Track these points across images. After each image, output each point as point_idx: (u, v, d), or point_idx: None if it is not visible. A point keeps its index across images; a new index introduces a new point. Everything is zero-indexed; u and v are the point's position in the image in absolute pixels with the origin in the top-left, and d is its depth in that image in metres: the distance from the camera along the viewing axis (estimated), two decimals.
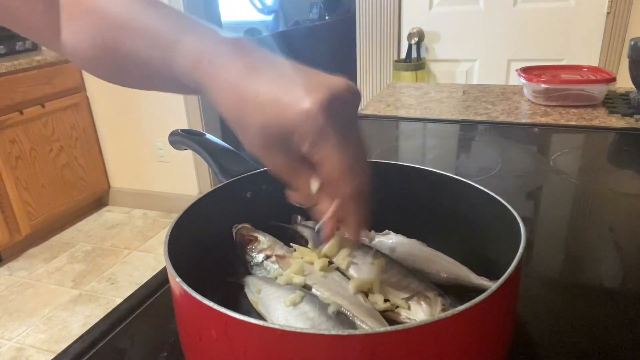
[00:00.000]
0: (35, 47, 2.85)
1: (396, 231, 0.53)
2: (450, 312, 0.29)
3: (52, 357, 0.46)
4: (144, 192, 3.07)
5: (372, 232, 0.53)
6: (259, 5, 5.42)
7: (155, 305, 0.54)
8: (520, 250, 0.36)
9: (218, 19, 3.04)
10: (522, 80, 1.29)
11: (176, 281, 0.34)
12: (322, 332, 0.28)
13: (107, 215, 3.08)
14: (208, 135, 0.62)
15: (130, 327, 0.50)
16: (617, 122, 1.11)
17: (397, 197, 0.55)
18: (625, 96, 1.27)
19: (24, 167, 2.57)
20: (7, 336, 2.04)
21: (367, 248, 0.49)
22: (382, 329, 0.28)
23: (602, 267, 0.60)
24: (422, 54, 2.37)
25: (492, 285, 0.32)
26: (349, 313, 0.41)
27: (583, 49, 2.17)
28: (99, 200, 3.16)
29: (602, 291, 0.55)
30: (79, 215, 3.02)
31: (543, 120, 1.15)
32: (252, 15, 5.73)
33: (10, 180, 2.48)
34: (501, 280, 0.32)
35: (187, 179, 2.92)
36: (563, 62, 2.16)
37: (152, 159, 2.97)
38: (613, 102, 1.23)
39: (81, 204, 2.97)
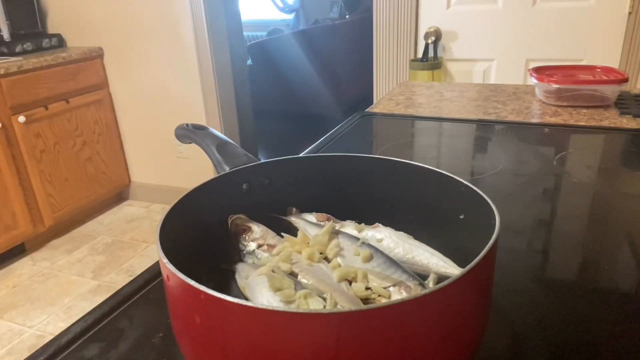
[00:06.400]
0: (60, 44, 2.94)
1: (385, 224, 0.55)
2: (412, 295, 0.31)
3: None
4: (163, 187, 3.14)
5: (362, 224, 0.55)
6: (280, 4, 5.46)
7: (155, 290, 0.56)
8: (491, 241, 0.37)
9: (238, 18, 3.08)
10: (534, 80, 1.29)
11: (163, 262, 0.37)
12: (291, 310, 0.30)
13: (127, 209, 3.15)
14: (211, 129, 0.65)
15: (130, 310, 0.53)
16: (627, 123, 1.10)
17: (386, 192, 0.56)
18: (638, 97, 1.26)
19: (48, 160, 2.65)
20: (29, 324, 2.11)
21: (354, 239, 0.51)
22: (346, 309, 0.30)
23: (593, 265, 0.61)
24: (439, 53, 2.36)
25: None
26: (331, 299, 0.43)
27: (603, 49, 2.14)
28: (120, 195, 3.24)
29: (587, 288, 0.56)
30: (100, 209, 3.10)
31: (552, 120, 1.15)
32: (273, 14, 5.78)
33: (35, 173, 2.57)
34: (466, 269, 0.34)
35: (206, 175, 2.96)
36: (583, 63, 2.14)
37: (171, 154, 3.03)
38: (625, 103, 1.22)
39: (102, 198, 3.05)
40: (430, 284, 0.47)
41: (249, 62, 4.31)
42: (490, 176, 0.84)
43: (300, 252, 0.49)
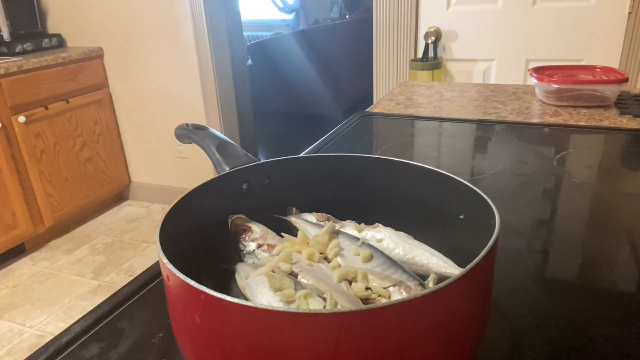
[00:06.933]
0: (60, 44, 2.94)
1: (385, 224, 0.55)
2: (412, 295, 0.31)
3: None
4: (163, 187, 3.14)
5: (362, 224, 0.55)
6: (280, 4, 5.46)
7: (155, 290, 0.56)
8: (491, 241, 0.37)
9: (238, 18, 3.07)
10: (534, 80, 1.29)
11: (163, 262, 0.37)
12: (291, 310, 0.30)
13: (127, 209, 3.15)
14: (211, 129, 0.65)
15: (130, 310, 0.53)
16: (627, 122, 1.10)
17: (386, 192, 0.56)
18: (638, 97, 1.26)
19: (49, 160, 2.65)
20: (29, 324, 2.11)
21: (354, 239, 0.51)
22: (346, 309, 0.30)
23: (593, 265, 0.61)
24: (439, 53, 2.36)
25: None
26: (331, 299, 0.43)
27: (603, 49, 2.14)
28: (120, 195, 3.24)
29: (587, 288, 0.56)
30: (100, 209, 3.10)
31: (552, 120, 1.15)
32: (273, 14, 5.78)
33: (35, 174, 2.57)
34: (466, 269, 0.34)
35: (206, 175, 2.97)
36: (583, 63, 2.14)
37: (171, 154, 3.03)
38: (625, 103, 1.22)
39: (102, 198, 3.05)
40: (430, 284, 0.47)
41: (249, 62, 4.31)
42: (490, 176, 0.84)
43: (300, 252, 0.49)
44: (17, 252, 2.62)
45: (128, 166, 3.20)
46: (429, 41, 2.32)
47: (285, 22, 5.77)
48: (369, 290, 0.45)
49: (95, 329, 0.50)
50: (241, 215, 0.55)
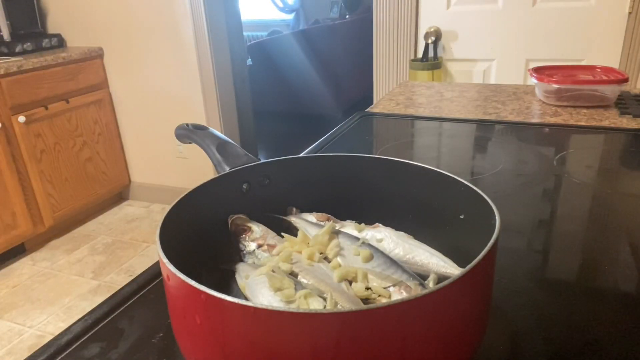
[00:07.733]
0: (60, 44, 2.94)
1: (385, 224, 0.55)
2: (412, 295, 0.31)
3: None
4: (163, 187, 3.14)
5: (362, 224, 0.55)
6: (280, 4, 5.46)
7: (155, 290, 0.56)
8: (491, 241, 0.37)
9: (238, 18, 3.07)
10: (534, 80, 1.29)
11: (163, 262, 0.37)
12: (291, 310, 0.30)
13: (127, 209, 3.15)
14: (211, 129, 0.65)
15: (130, 309, 0.53)
16: (627, 123, 1.10)
17: (386, 192, 0.56)
18: (638, 97, 1.26)
19: (49, 161, 2.65)
20: (29, 324, 2.11)
21: (354, 239, 0.51)
22: (346, 309, 0.30)
23: (591, 266, 0.61)
24: (439, 53, 2.36)
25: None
26: (331, 299, 0.43)
27: (604, 49, 2.14)
28: (120, 195, 3.24)
29: (587, 288, 0.56)
30: (100, 209, 3.10)
31: (552, 120, 1.15)
32: (273, 14, 5.78)
33: (35, 174, 2.57)
34: (466, 269, 0.34)
35: (206, 175, 2.97)
36: (583, 63, 2.14)
37: (171, 154, 3.03)
38: (625, 103, 1.22)
39: (102, 198, 3.05)
40: (430, 284, 0.47)
41: (249, 62, 4.31)
42: (490, 176, 0.84)
43: (300, 252, 0.49)
44: (17, 252, 2.62)
45: (128, 166, 3.20)
46: (429, 41, 2.32)
47: (285, 22, 5.77)
48: (369, 290, 0.45)
49: (95, 329, 0.50)
50: (241, 215, 0.55)
